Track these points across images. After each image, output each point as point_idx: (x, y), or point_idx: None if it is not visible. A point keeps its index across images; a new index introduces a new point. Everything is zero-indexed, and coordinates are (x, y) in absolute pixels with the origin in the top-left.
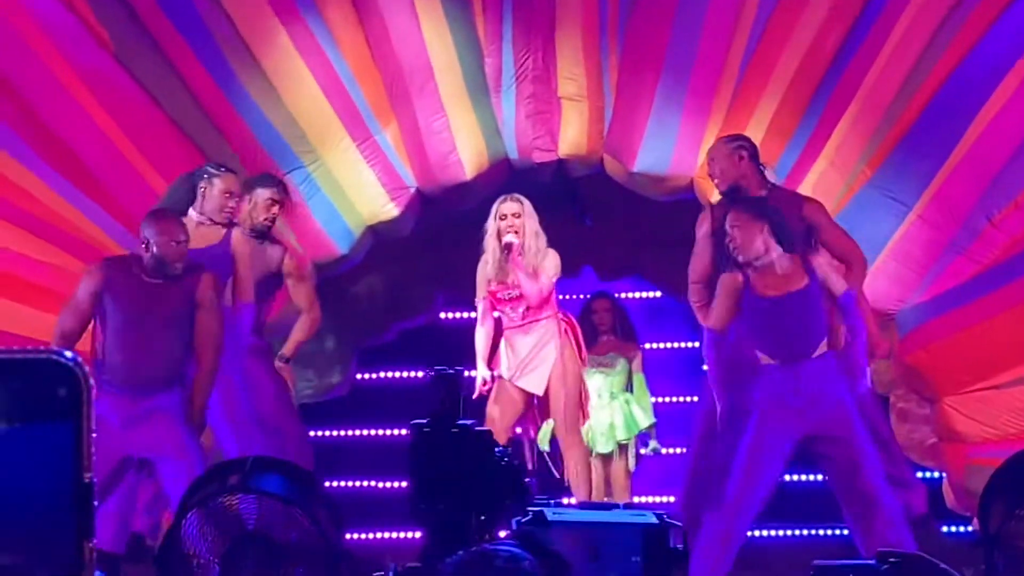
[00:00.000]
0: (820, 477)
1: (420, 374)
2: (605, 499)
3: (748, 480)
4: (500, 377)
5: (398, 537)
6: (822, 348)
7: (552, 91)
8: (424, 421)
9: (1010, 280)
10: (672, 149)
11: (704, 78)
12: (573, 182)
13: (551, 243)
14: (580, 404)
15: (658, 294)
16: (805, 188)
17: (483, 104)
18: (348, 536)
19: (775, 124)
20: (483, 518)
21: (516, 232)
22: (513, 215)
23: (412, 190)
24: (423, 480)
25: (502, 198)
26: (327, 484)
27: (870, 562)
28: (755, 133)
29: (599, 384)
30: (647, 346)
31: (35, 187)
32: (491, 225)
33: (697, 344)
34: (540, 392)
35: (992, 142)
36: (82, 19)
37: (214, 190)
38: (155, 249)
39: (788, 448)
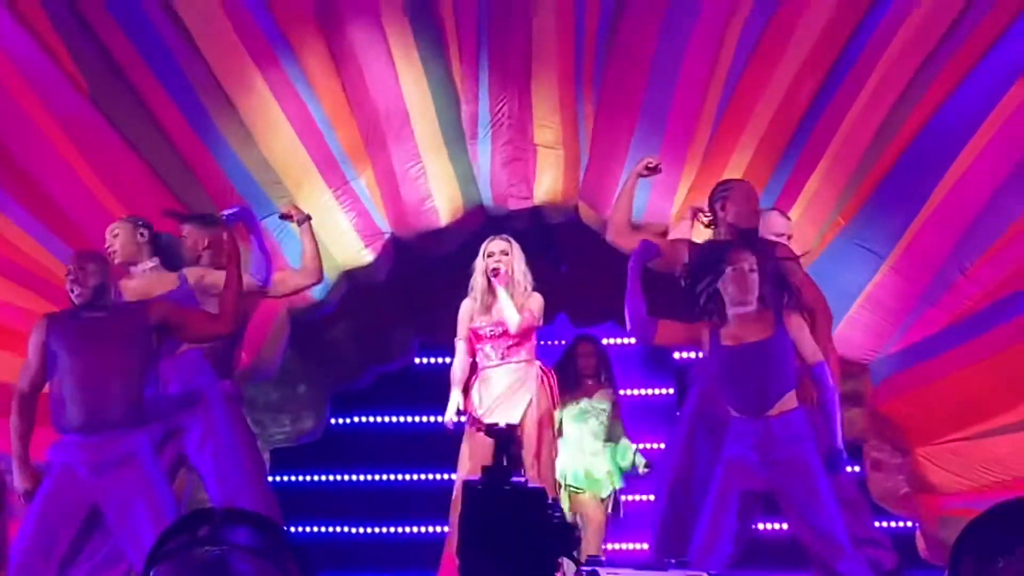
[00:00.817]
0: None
1: (395, 419)
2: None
3: (714, 532)
4: (471, 416)
5: None
6: (788, 402)
7: (528, 138)
8: (476, 479)
9: (983, 331)
10: (647, 197)
11: (679, 127)
12: (548, 229)
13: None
14: (552, 453)
15: (632, 341)
16: None
17: (459, 151)
18: None
19: (749, 173)
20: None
21: (504, 266)
22: (501, 252)
23: (387, 236)
24: (474, 538)
25: (490, 238)
26: (300, 529)
27: None
28: None
29: (594, 428)
30: (621, 392)
31: (8, 229)
32: (479, 263)
33: (671, 391)
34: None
35: (965, 193)
36: (59, 62)
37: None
38: (68, 284)
39: (752, 502)
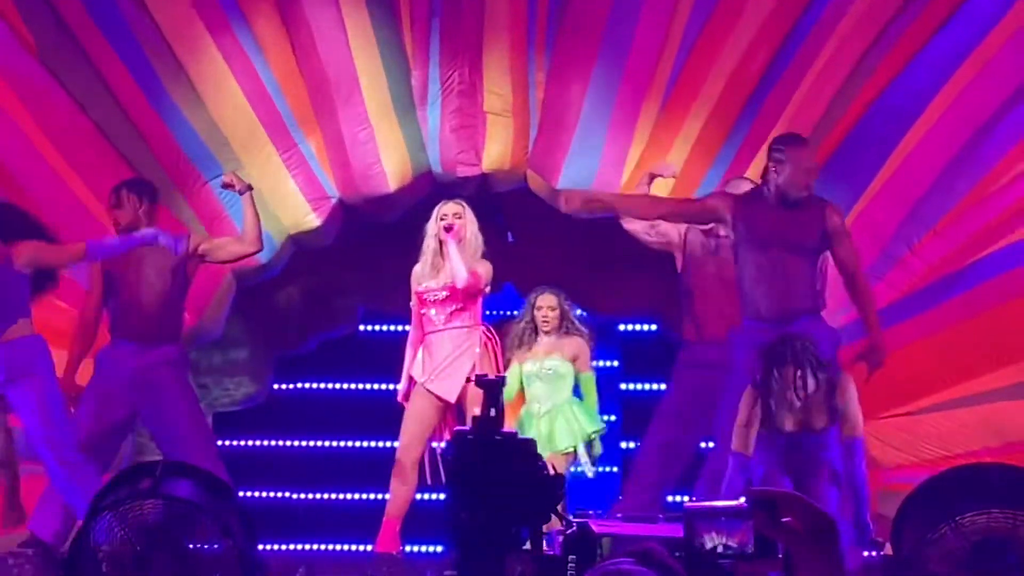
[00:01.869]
0: None
1: (339, 386)
2: None
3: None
4: (414, 382)
5: (313, 548)
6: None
7: (478, 106)
8: (467, 428)
9: (929, 307)
10: (596, 166)
11: (630, 97)
12: (496, 197)
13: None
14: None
15: (579, 312)
16: None
17: (408, 116)
18: (262, 547)
19: (700, 144)
20: (522, 528)
21: (456, 225)
22: (454, 214)
23: (334, 200)
24: (465, 488)
25: (444, 201)
26: (242, 494)
27: (741, 504)
28: (680, 152)
29: (539, 392)
30: None
31: None
32: (431, 226)
33: (616, 363)
34: (451, 399)
35: (913, 170)
36: (8, 21)
37: None
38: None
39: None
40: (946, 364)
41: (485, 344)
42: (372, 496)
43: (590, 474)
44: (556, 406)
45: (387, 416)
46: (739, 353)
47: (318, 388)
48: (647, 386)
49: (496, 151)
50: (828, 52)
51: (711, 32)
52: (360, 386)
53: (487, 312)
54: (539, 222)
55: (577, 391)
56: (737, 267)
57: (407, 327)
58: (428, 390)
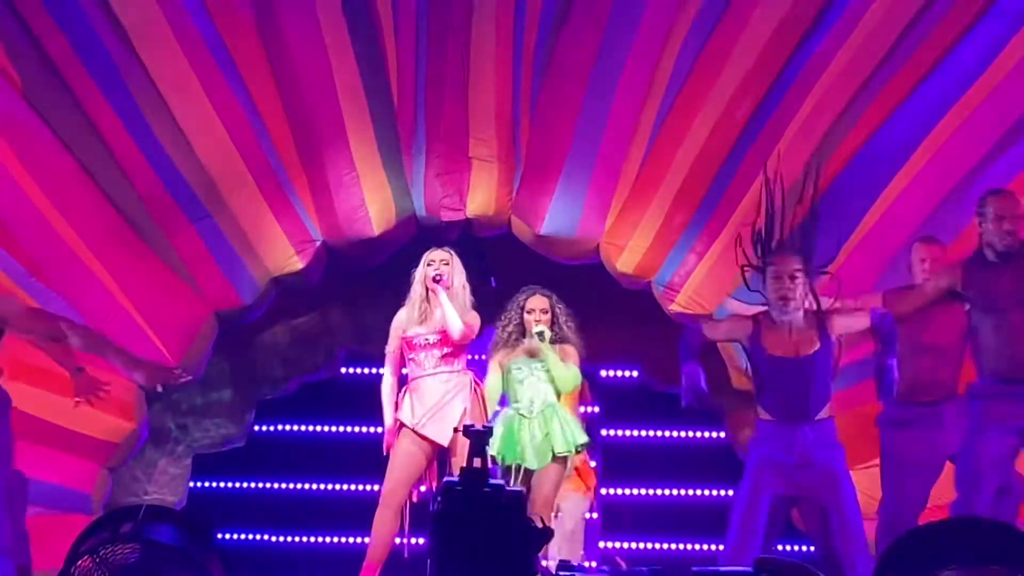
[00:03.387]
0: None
1: (320, 428)
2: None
3: (744, 532)
4: (402, 426)
5: None
6: (824, 413)
7: (463, 151)
8: (455, 479)
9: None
10: (580, 214)
11: (614, 145)
12: (480, 242)
13: None
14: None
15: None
16: (710, 257)
17: (393, 161)
18: None
19: (683, 192)
20: None
21: (445, 274)
22: (442, 261)
23: (318, 243)
24: (452, 538)
25: (432, 248)
26: (221, 536)
27: (748, 570)
28: (662, 202)
29: (531, 391)
30: None
31: None
32: (419, 272)
33: (596, 409)
34: (445, 443)
35: (897, 219)
36: None
37: None
38: None
39: (780, 508)
40: None
41: (474, 390)
42: (353, 540)
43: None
44: (549, 407)
45: (368, 459)
46: (977, 407)
47: (299, 430)
48: (628, 432)
49: (480, 196)
50: (813, 100)
51: (696, 79)
52: (341, 428)
53: (471, 356)
54: (522, 267)
55: None
56: (971, 329)
57: None
58: (419, 434)
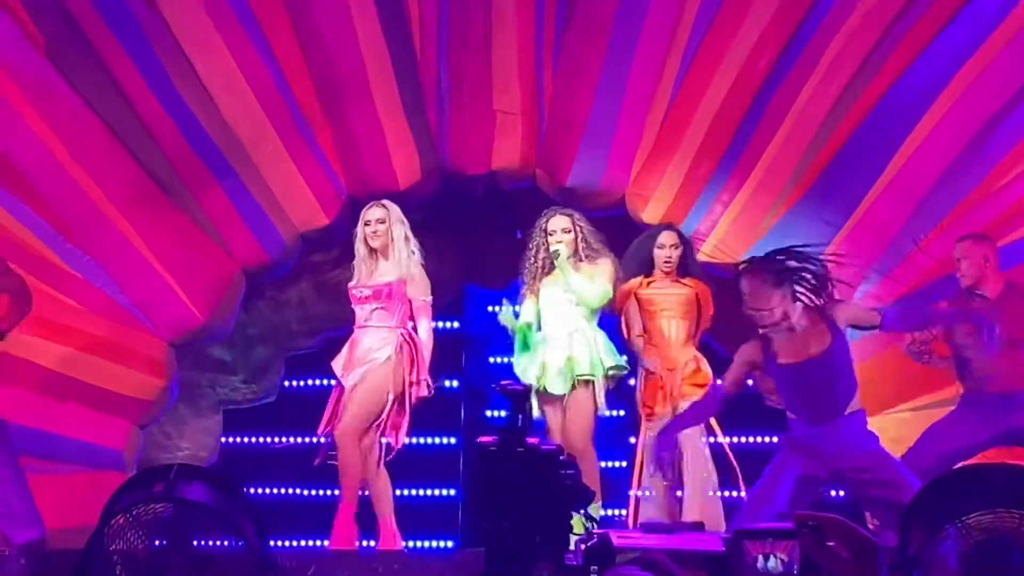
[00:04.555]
0: None
1: None
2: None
3: (761, 501)
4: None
5: (323, 545)
6: (853, 405)
7: (487, 104)
8: (490, 440)
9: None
10: (605, 165)
11: (638, 95)
12: (505, 195)
13: (482, 254)
14: (368, 419)
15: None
16: (736, 207)
17: (417, 115)
18: (273, 543)
19: (707, 143)
20: (546, 537)
21: (378, 236)
22: (377, 221)
23: (344, 199)
24: (489, 499)
25: (369, 204)
26: (252, 491)
27: (788, 525)
28: (687, 151)
29: (560, 315)
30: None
31: None
32: (358, 230)
33: (624, 358)
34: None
35: (919, 167)
36: (18, 21)
37: None
38: None
39: (808, 488)
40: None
41: (401, 346)
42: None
43: (604, 410)
44: (579, 330)
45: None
46: None
47: (328, 384)
48: None
49: (505, 149)
50: (833, 51)
51: (717, 32)
52: None
53: (493, 308)
54: None
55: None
56: None
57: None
58: (344, 385)
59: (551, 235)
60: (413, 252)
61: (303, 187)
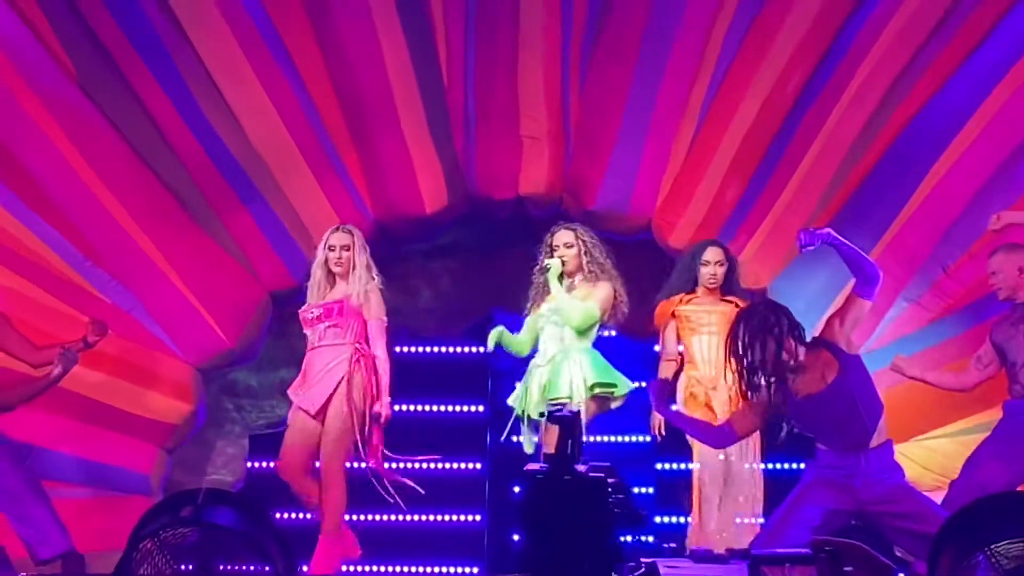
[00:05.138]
0: None
1: None
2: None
3: (785, 518)
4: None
5: (349, 570)
6: (881, 433)
7: (513, 129)
8: (537, 467)
9: (964, 329)
10: (632, 190)
11: (665, 119)
12: (532, 220)
13: (508, 279)
14: (342, 439)
15: (612, 333)
16: (763, 231)
17: (444, 139)
18: (300, 568)
19: (735, 165)
20: (593, 563)
21: (340, 263)
22: (342, 247)
23: (370, 222)
24: (536, 528)
25: (333, 228)
26: (279, 516)
27: (806, 551)
28: (715, 174)
29: (547, 337)
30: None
31: None
32: (319, 254)
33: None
34: (312, 411)
35: (948, 192)
36: (47, 46)
37: None
38: None
39: (836, 518)
40: (980, 387)
41: (357, 360)
42: (410, 518)
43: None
44: (564, 352)
45: (423, 437)
46: None
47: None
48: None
49: (532, 174)
50: (863, 74)
51: (746, 53)
52: (397, 407)
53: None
54: None
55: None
56: None
57: (443, 348)
58: (302, 409)
59: (555, 250)
60: (373, 278)
61: (330, 211)
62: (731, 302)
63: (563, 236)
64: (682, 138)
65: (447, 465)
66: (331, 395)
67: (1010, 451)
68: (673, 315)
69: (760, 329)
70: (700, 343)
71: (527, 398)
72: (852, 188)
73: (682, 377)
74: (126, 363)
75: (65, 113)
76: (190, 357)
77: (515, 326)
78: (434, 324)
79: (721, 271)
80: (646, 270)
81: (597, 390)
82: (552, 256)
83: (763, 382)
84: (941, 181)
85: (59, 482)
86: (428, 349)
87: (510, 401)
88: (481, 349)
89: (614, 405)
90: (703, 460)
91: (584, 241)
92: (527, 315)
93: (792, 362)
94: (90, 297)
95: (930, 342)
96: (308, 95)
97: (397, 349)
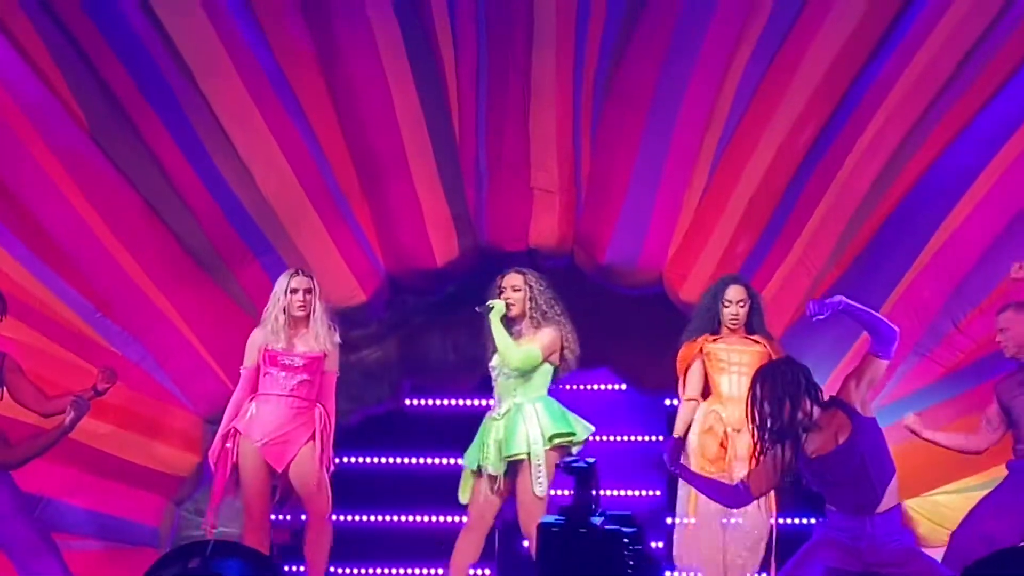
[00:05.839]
0: None
1: (383, 460)
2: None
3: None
4: (237, 433)
5: None
6: (892, 496)
7: (524, 181)
8: (553, 519)
9: (976, 384)
10: (642, 243)
11: (677, 171)
12: (543, 272)
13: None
14: (322, 493)
15: (623, 387)
16: (774, 285)
17: (455, 191)
18: None
19: (746, 219)
20: None
21: (303, 307)
22: (305, 291)
23: (381, 276)
24: None
25: (293, 271)
26: (287, 569)
27: None
28: (726, 227)
29: (499, 391)
30: (609, 438)
31: (4, 263)
32: (281, 298)
33: (660, 438)
34: (280, 468)
35: (958, 247)
36: (59, 97)
37: None
38: None
39: (838, 572)
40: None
41: (325, 424)
42: (420, 571)
43: (539, 493)
44: (517, 406)
45: (433, 490)
46: None
47: (363, 463)
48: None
49: (543, 227)
50: (875, 126)
51: (757, 106)
52: (405, 460)
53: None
54: (585, 297)
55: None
56: None
57: (454, 401)
58: (259, 452)
59: (502, 291)
60: (330, 325)
61: (341, 264)
62: (758, 342)
63: (512, 279)
64: (693, 190)
65: (459, 518)
66: (296, 454)
67: (1013, 505)
68: (701, 351)
69: (778, 389)
70: (730, 382)
71: (484, 452)
72: (864, 241)
73: (702, 408)
74: (135, 414)
75: (76, 164)
76: (199, 408)
77: None
78: (445, 376)
79: (743, 311)
80: (657, 324)
81: (556, 440)
82: (498, 298)
83: (778, 442)
84: (952, 235)
85: (69, 534)
86: (439, 402)
87: (466, 458)
88: (491, 402)
89: (575, 450)
90: (700, 519)
91: (532, 287)
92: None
93: (807, 421)
94: (100, 348)
95: (941, 397)
96: (319, 146)
97: (408, 402)
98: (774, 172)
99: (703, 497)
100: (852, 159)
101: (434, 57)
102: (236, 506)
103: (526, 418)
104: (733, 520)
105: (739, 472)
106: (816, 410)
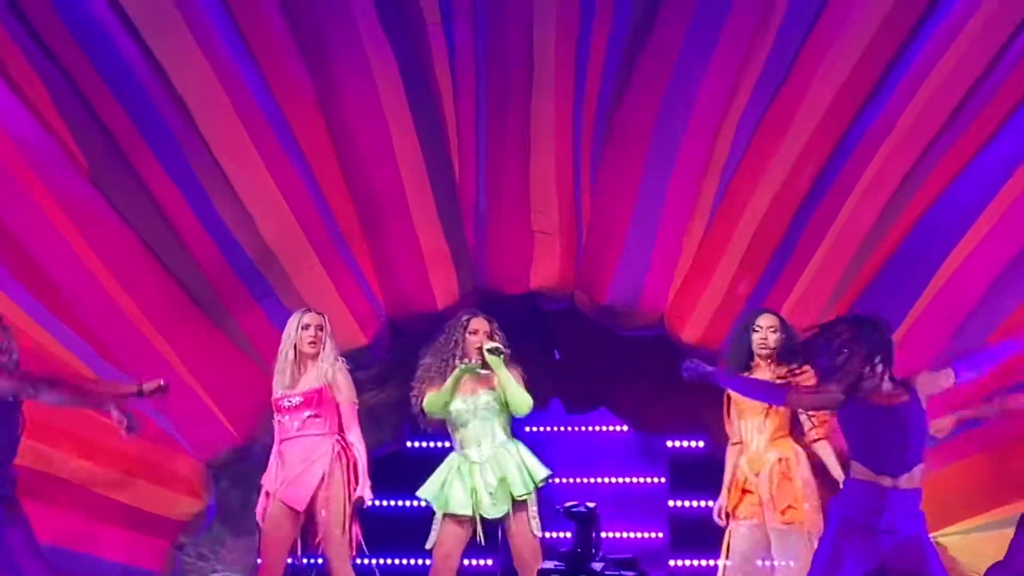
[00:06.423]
0: None
1: (385, 502)
2: None
3: None
4: (268, 494)
5: None
6: (915, 477)
7: (525, 223)
8: (552, 566)
9: (977, 424)
10: (643, 285)
11: (676, 213)
12: (543, 315)
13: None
14: (346, 531)
15: (625, 428)
16: None
17: (455, 233)
18: None
19: (746, 260)
20: None
21: (315, 343)
22: (317, 327)
23: (382, 319)
24: None
25: (305, 308)
26: None
27: None
28: (726, 269)
29: (476, 433)
30: (610, 480)
31: (5, 307)
32: (292, 335)
33: (663, 479)
34: (300, 508)
35: (961, 286)
36: (60, 140)
37: None
38: None
39: (863, 569)
40: (1000, 481)
41: (339, 454)
42: None
43: (537, 532)
44: (498, 448)
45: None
46: None
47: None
48: (695, 503)
49: (543, 269)
50: (875, 167)
51: (756, 148)
52: (407, 503)
53: (532, 428)
54: (585, 339)
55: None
56: None
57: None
58: (281, 502)
59: (473, 334)
60: (338, 360)
61: (342, 307)
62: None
63: (484, 324)
64: (693, 232)
65: (464, 561)
66: (317, 489)
67: None
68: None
69: (875, 349)
70: (745, 426)
71: (476, 497)
72: (864, 283)
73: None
74: (136, 459)
75: (76, 206)
76: (200, 452)
77: (527, 419)
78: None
79: (773, 337)
80: (658, 365)
81: (541, 484)
82: (466, 336)
83: (839, 384)
84: (953, 276)
85: None
86: (440, 444)
87: (426, 494)
88: None
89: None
90: (735, 560)
91: (498, 336)
92: (423, 388)
93: (873, 384)
94: None
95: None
96: (319, 188)
97: (408, 444)
98: (774, 213)
99: (734, 538)
100: (852, 200)
101: (433, 99)
102: (239, 549)
103: (515, 457)
104: (776, 563)
105: (772, 518)
106: (887, 383)
